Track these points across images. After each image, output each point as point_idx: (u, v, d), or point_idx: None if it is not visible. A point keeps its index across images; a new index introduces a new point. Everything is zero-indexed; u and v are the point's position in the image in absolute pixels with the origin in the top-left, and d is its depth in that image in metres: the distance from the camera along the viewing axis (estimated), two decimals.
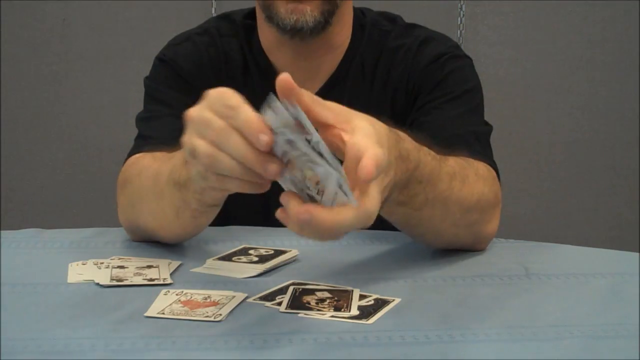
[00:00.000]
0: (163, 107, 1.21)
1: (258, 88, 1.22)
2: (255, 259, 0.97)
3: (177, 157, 0.91)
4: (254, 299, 0.85)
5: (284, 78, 0.72)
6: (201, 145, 0.76)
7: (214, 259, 0.97)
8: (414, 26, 1.28)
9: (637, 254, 1.05)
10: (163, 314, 0.80)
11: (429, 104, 1.20)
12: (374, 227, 1.11)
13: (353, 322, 0.79)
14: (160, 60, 1.26)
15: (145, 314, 0.80)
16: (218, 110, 0.75)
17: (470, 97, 1.21)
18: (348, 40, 1.26)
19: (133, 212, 1.05)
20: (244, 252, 1.00)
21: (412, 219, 0.96)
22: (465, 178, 0.99)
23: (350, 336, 0.76)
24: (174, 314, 0.80)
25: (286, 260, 0.97)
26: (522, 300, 0.87)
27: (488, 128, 1.20)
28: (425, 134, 1.14)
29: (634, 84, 2.46)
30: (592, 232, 2.51)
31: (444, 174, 0.95)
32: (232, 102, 0.75)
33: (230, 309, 0.81)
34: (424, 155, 0.91)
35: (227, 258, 0.97)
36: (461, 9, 2.42)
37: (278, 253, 0.99)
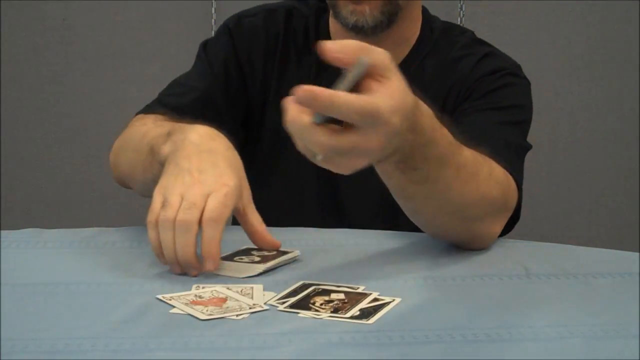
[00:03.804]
0: (199, 79, 1.30)
1: (312, 69, 1.29)
2: (258, 259, 0.97)
3: (167, 128, 1.04)
4: (275, 301, 0.85)
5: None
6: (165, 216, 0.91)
7: None
8: (482, 42, 1.31)
9: (637, 254, 1.05)
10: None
11: (473, 108, 1.22)
12: (379, 227, 1.13)
13: (353, 322, 0.79)
14: (225, 26, 1.33)
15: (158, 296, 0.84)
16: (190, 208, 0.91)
17: (516, 112, 1.23)
18: (415, 38, 1.29)
19: (118, 155, 1.20)
20: (247, 252, 1.00)
21: (408, 191, 0.95)
22: (475, 174, 0.98)
23: (350, 336, 0.76)
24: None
25: (288, 260, 0.97)
26: (522, 300, 0.87)
27: (525, 144, 1.22)
28: (459, 131, 1.16)
29: (634, 84, 2.46)
30: (592, 232, 2.50)
31: (454, 162, 0.94)
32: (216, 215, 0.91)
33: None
34: (440, 138, 0.91)
35: (229, 258, 0.97)
36: (461, 9, 2.42)
37: (280, 253, 0.98)
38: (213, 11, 2.36)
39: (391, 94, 0.80)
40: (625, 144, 2.49)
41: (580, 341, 0.76)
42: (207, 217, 0.90)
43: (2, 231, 1.08)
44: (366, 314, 0.81)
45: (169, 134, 1.02)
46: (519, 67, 1.28)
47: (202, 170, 0.95)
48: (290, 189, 1.31)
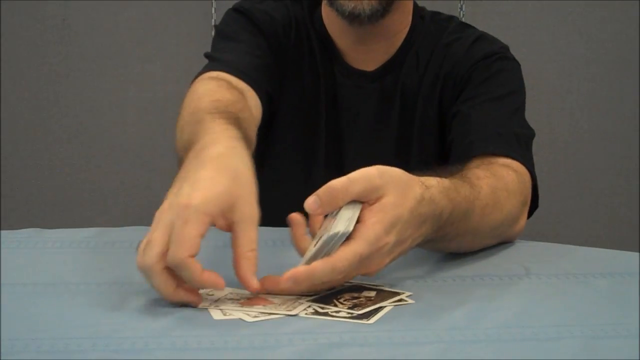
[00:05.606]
0: (233, 42, 1.27)
1: (317, 57, 1.30)
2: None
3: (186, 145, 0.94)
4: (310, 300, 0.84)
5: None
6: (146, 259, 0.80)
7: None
8: (468, 25, 1.34)
9: (637, 254, 1.05)
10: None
11: (473, 100, 1.24)
12: None
13: (353, 322, 0.79)
14: (235, 10, 1.31)
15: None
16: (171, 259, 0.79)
17: (514, 99, 1.26)
18: (407, 28, 1.31)
19: (179, 138, 1.05)
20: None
21: (441, 248, 1.00)
22: (497, 202, 1.02)
23: (350, 336, 0.76)
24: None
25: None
26: (522, 300, 0.87)
27: (530, 132, 1.24)
28: (468, 128, 1.20)
29: (634, 83, 2.46)
30: (592, 232, 2.51)
31: (477, 208, 0.98)
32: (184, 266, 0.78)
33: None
34: (459, 200, 0.94)
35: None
36: (461, 9, 2.43)
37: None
38: (213, 11, 2.36)
39: (380, 219, 0.82)
40: (625, 144, 2.50)
41: (580, 341, 0.76)
42: (168, 262, 0.79)
43: (2, 231, 1.08)
44: (366, 314, 0.81)
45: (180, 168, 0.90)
46: (507, 48, 1.31)
47: (179, 189, 0.82)
48: (303, 163, 1.32)
